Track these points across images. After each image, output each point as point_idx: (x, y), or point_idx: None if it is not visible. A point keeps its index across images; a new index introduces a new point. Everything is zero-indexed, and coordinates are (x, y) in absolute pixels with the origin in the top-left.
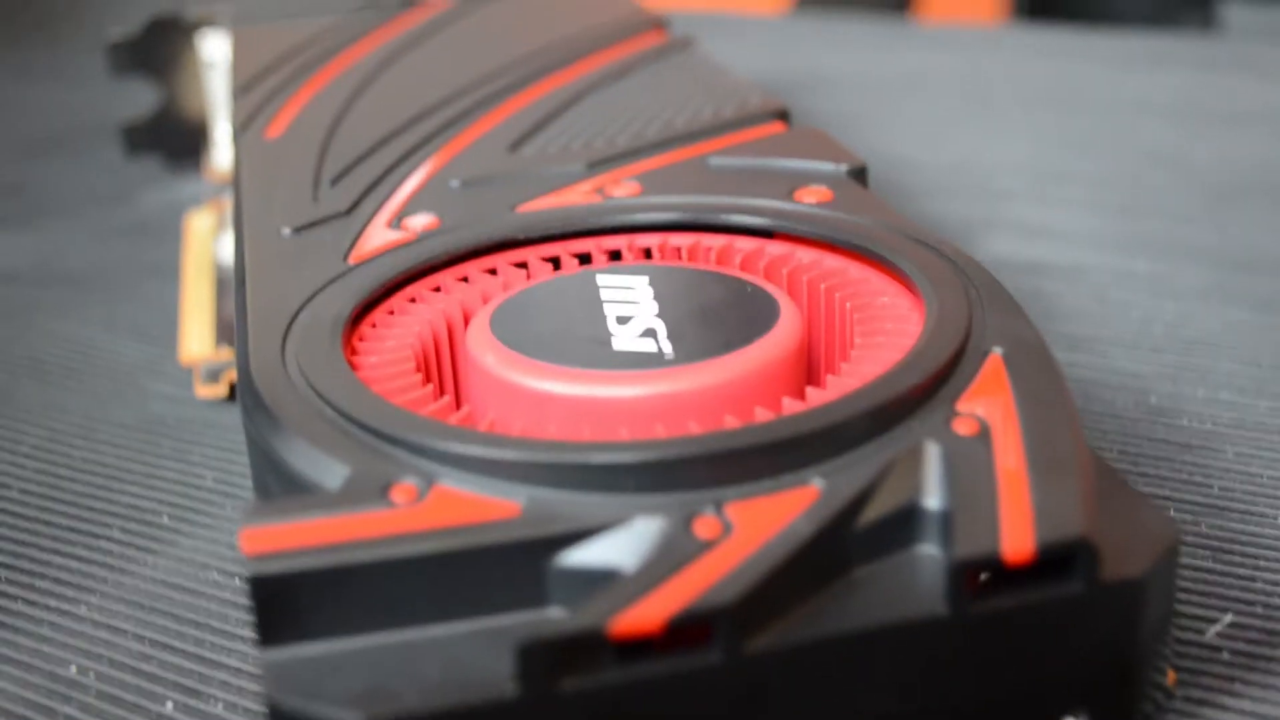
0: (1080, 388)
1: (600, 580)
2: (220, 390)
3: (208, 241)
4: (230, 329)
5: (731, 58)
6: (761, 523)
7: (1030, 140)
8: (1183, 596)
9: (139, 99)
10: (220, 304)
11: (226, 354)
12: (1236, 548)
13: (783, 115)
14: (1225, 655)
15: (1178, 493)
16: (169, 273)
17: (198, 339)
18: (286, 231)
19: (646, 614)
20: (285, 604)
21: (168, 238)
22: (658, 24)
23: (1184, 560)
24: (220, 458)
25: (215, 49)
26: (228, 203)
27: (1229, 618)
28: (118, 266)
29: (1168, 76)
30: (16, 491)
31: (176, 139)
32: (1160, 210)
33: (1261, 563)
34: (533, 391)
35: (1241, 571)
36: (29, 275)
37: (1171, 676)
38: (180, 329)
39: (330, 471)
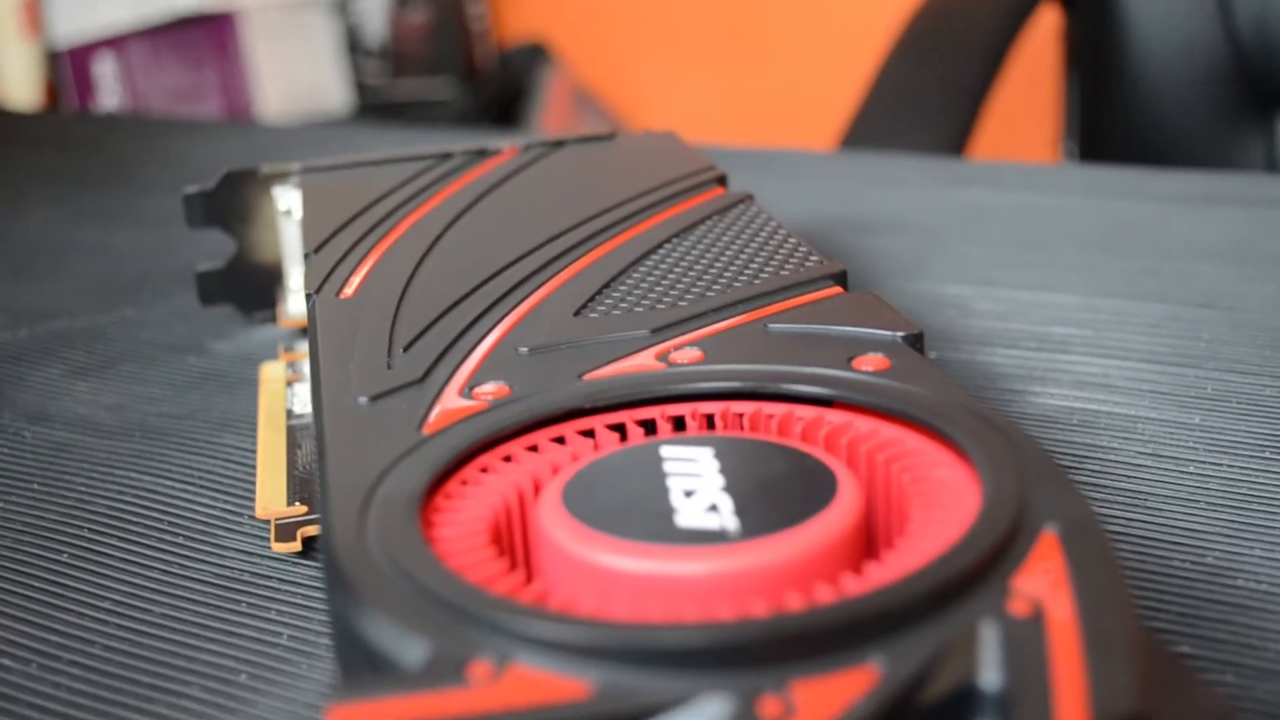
0: (1136, 546)
1: None
2: (295, 546)
3: (281, 392)
4: (303, 484)
5: (784, 196)
6: (823, 704)
7: (1085, 284)
8: None
9: (213, 243)
10: (293, 457)
11: (300, 509)
12: None
13: (841, 278)
14: None
15: (1234, 657)
16: (244, 423)
17: (272, 494)
18: (363, 400)
19: None
20: None
21: (242, 387)
22: (718, 178)
23: None
24: (296, 614)
25: (289, 199)
26: (301, 353)
27: None
28: (194, 417)
29: (1223, 217)
30: (100, 648)
31: (250, 288)
32: (1217, 359)
33: None
34: (601, 567)
35: None
36: (109, 426)
37: None
38: (256, 483)
39: (410, 648)
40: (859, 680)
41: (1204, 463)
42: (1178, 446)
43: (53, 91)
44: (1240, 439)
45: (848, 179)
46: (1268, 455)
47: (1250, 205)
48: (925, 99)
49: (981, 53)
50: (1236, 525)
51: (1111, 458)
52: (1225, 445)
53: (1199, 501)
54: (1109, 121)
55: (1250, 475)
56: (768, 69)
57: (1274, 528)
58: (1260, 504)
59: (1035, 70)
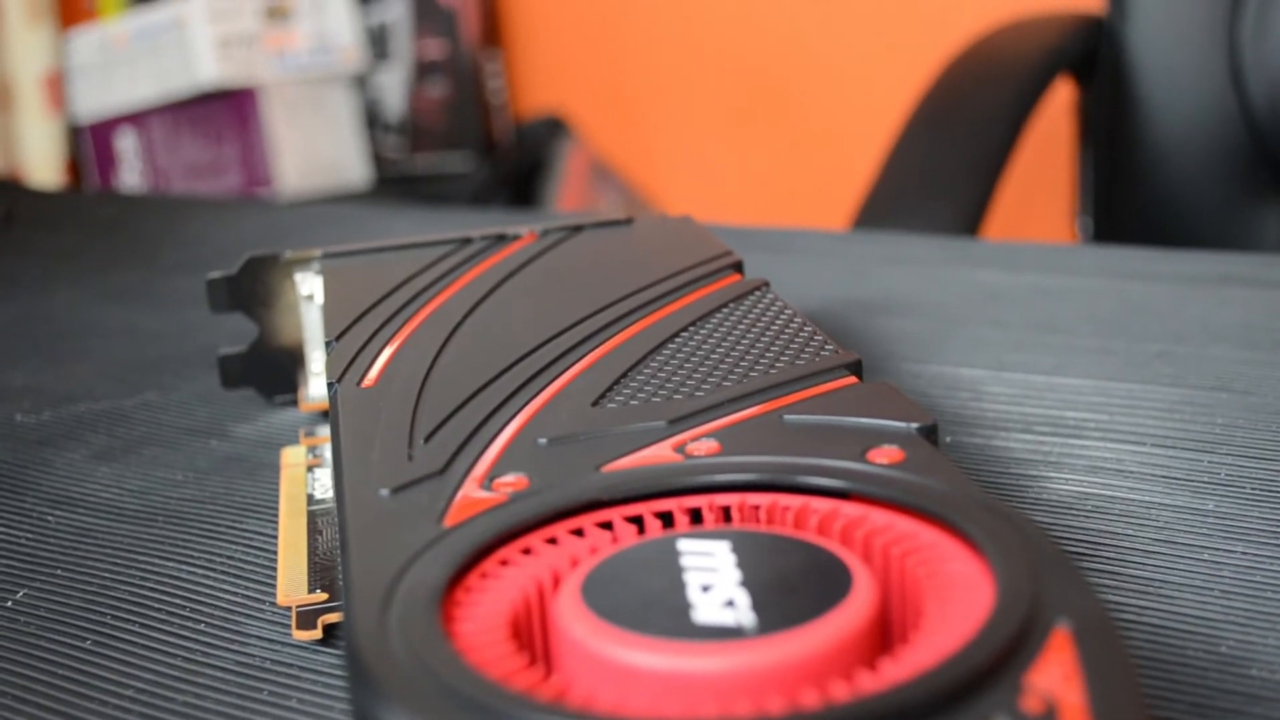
0: (1149, 635)
1: None
2: (316, 634)
3: (302, 478)
4: (324, 570)
5: (798, 277)
6: None
7: (1099, 366)
8: None
9: (236, 328)
10: (314, 544)
11: (321, 596)
12: None
13: (855, 367)
14: None
15: None
16: (265, 508)
17: (294, 581)
18: (385, 493)
19: None
20: None
21: (263, 472)
22: (734, 264)
23: None
24: (317, 702)
25: (311, 285)
26: (322, 437)
27: None
28: (216, 501)
29: (1239, 298)
30: None
31: (272, 371)
32: (1231, 444)
33: None
34: (619, 663)
35: None
36: (131, 511)
37: None
38: (277, 569)
39: None
40: None
41: (1218, 549)
42: (1192, 533)
43: (74, 166)
44: (1255, 525)
45: (862, 259)
46: None
47: (1265, 286)
48: (940, 176)
49: (996, 129)
50: (1251, 614)
51: (1125, 544)
52: (1240, 532)
53: (1213, 589)
54: (1124, 196)
55: (1265, 563)
56: (784, 143)
57: None
58: (1275, 591)
59: (1050, 146)
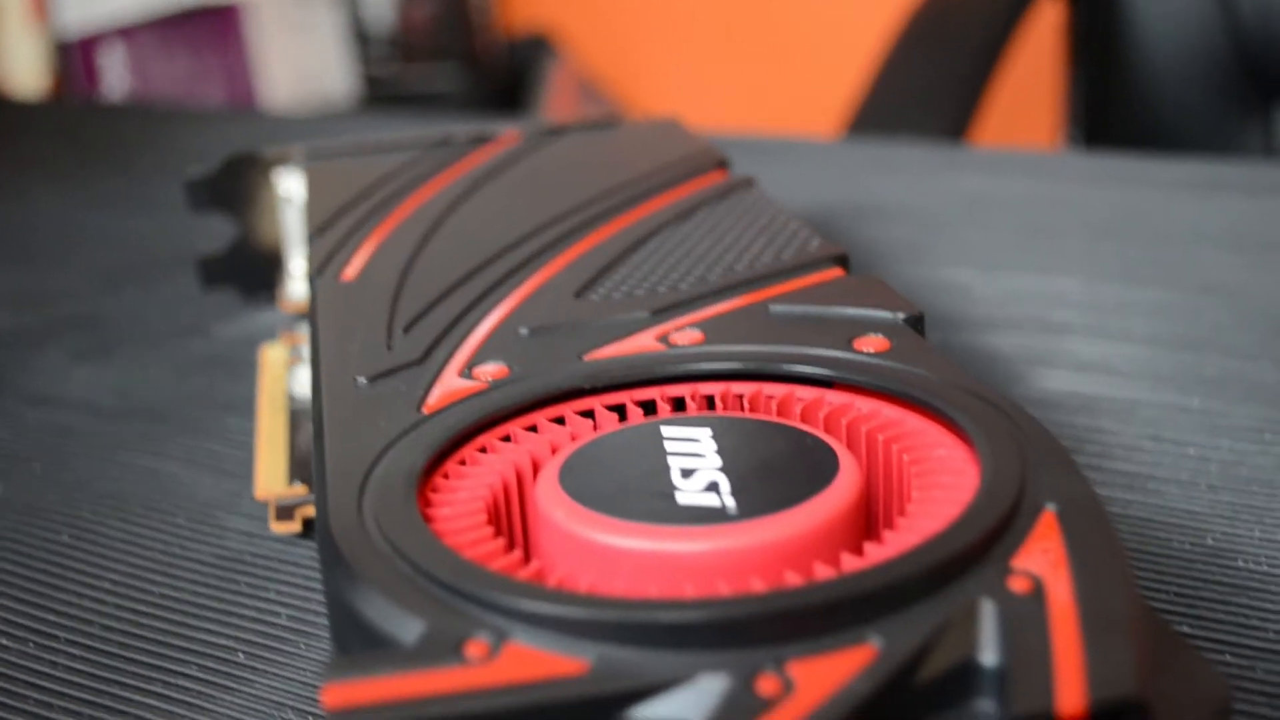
0: (1135, 527)
1: None
2: (294, 526)
3: (282, 375)
4: (304, 465)
5: (787, 183)
6: (821, 681)
7: (1087, 270)
8: None
9: (215, 229)
10: (294, 439)
11: (300, 490)
12: None
13: (842, 260)
14: None
15: (1233, 636)
16: (245, 406)
17: (272, 475)
18: (362, 380)
19: None
20: None
21: (243, 370)
22: (720, 162)
23: (1239, 707)
24: (295, 595)
25: (291, 184)
26: (301, 335)
27: None
28: (195, 400)
29: (1226, 204)
30: (99, 628)
31: (252, 272)
32: (1217, 344)
33: None
34: (599, 546)
35: None
36: (110, 409)
37: None
38: (255, 464)
39: (406, 626)
40: (857, 658)
41: (1203, 445)
42: (1177, 429)
43: (60, 81)
44: (1240, 422)
45: (850, 166)
46: (1267, 438)
47: (1252, 192)
48: (927, 87)
49: (983, 43)
50: (1237, 507)
51: (1111, 440)
52: (1225, 428)
53: (1198, 484)
54: (1111, 111)
55: (1250, 458)
56: (773, 60)
57: (1273, 509)
58: (1260, 486)
59: (1038, 61)
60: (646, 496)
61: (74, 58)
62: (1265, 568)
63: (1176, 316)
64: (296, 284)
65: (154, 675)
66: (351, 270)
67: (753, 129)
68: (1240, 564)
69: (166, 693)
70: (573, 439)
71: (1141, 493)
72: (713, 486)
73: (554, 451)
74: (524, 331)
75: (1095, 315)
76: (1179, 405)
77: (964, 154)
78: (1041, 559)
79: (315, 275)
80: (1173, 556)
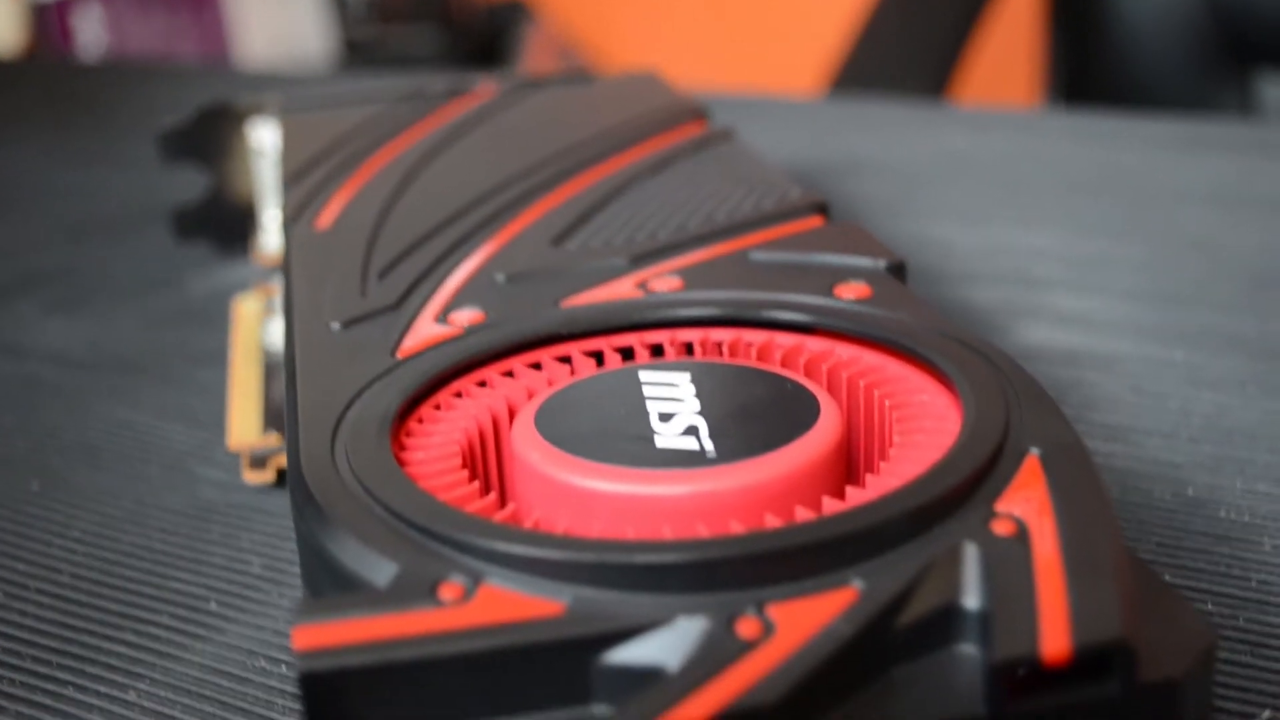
0: (1117, 479)
1: (644, 679)
2: (267, 476)
3: (255, 326)
4: (277, 415)
5: (767, 141)
6: (802, 623)
7: (1068, 226)
8: (1220, 691)
9: (188, 183)
10: (268, 389)
11: (274, 439)
12: (1275, 642)
13: (822, 209)
14: None
15: (1215, 585)
16: (218, 358)
17: (245, 425)
18: (335, 326)
19: (689, 713)
20: (335, 700)
21: (216, 322)
22: (699, 114)
23: (1222, 655)
24: (267, 544)
25: (264, 137)
26: (275, 288)
27: (1267, 714)
28: (168, 351)
29: (1207, 162)
30: (68, 576)
31: (225, 224)
32: (1199, 299)
33: None
34: (576, 489)
35: None
36: (81, 360)
37: None
38: (228, 414)
39: (379, 569)
40: (838, 600)
41: (1186, 398)
42: (1160, 382)
43: (36, 40)
44: (1223, 374)
45: (830, 124)
46: (1249, 391)
47: (1232, 150)
48: (908, 45)
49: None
50: (1219, 458)
51: (1093, 392)
52: (1207, 381)
53: (1180, 435)
54: (1090, 70)
55: (1234, 410)
56: (752, 25)
57: (1255, 461)
58: (1242, 438)
59: (1019, 20)
60: (624, 440)
61: (50, 17)
62: (1247, 518)
63: (1158, 271)
64: (270, 237)
65: (124, 623)
66: (326, 218)
67: (733, 87)
68: (1222, 514)
69: (137, 640)
70: (549, 384)
71: (1124, 444)
72: (691, 430)
73: (530, 397)
74: (501, 278)
75: (1076, 269)
76: (1161, 358)
77: (943, 112)
78: (1025, 503)
79: (289, 223)
80: (1155, 507)
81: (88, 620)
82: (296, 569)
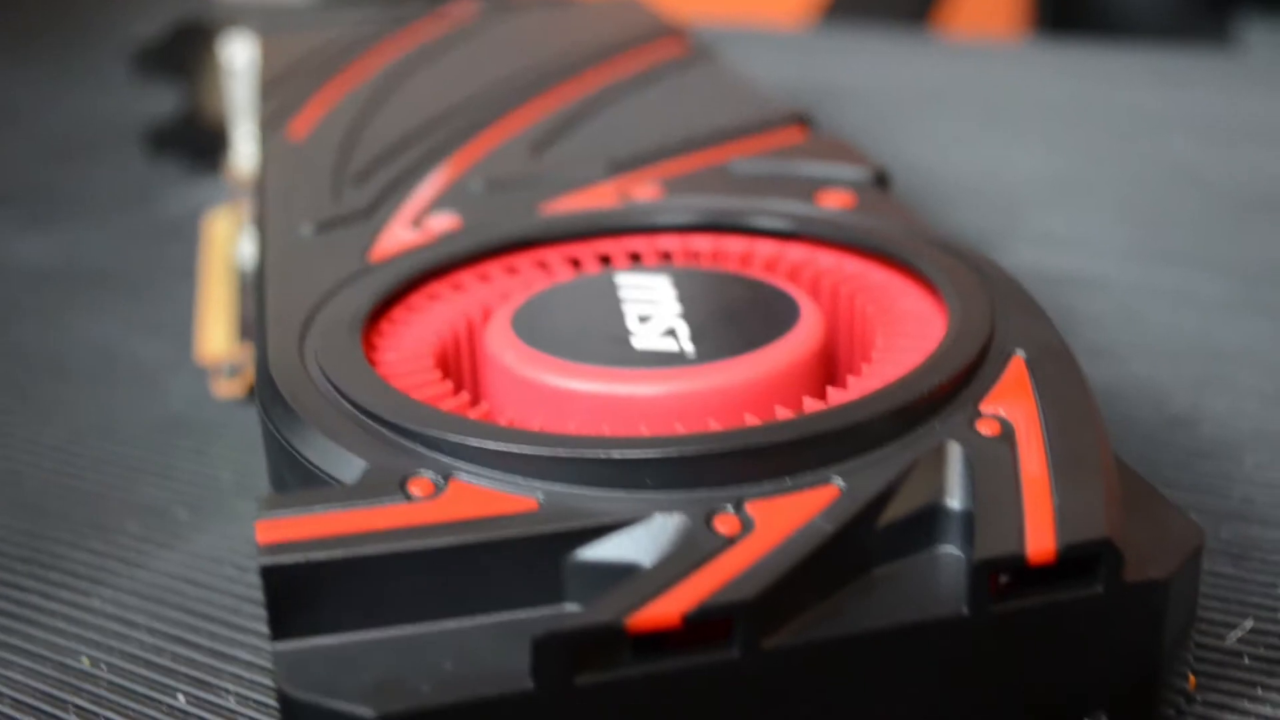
0: (1100, 396)
1: (618, 576)
2: (238, 388)
3: (228, 243)
4: (248, 330)
5: (753, 70)
6: (782, 520)
7: (1052, 155)
8: (1203, 602)
9: (163, 102)
10: (242, 304)
11: (244, 354)
12: (1257, 554)
13: (804, 120)
14: (1246, 661)
15: (1197, 500)
16: (190, 274)
17: (216, 338)
18: (308, 230)
19: (665, 609)
20: (298, 595)
21: (189, 239)
22: (679, 34)
23: (1205, 566)
24: (238, 457)
25: (237, 54)
26: (248, 205)
27: (1250, 623)
28: (140, 267)
29: (1189, 93)
30: (36, 484)
31: (199, 141)
32: (1182, 224)
33: None
34: (552, 389)
35: (1262, 578)
36: (54, 275)
37: (1192, 681)
38: (199, 329)
39: (347, 465)
40: (819, 498)
41: (1169, 319)
42: (1144, 303)
43: None
44: (1206, 296)
45: (814, 53)
46: (1234, 312)
47: (1214, 83)
48: None
49: None
50: (1202, 377)
51: (1077, 313)
52: (1192, 302)
53: (1164, 354)
54: (1076, 2)
55: (1218, 330)
56: None
57: (1238, 380)
58: (1224, 358)
59: None
60: (601, 341)
61: None
62: (1229, 434)
63: (1142, 198)
64: (243, 155)
65: (90, 531)
66: (301, 129)
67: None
68: (1205, 432)
69: (104, 549)
70: (526, 288)
71: (1106, 362)
72: (670, 332)
73: (506, 300)
74: (478, 185)
75: (1061, 196)
76: (1146, 280)
77: (929, 43)
78: (1011, 404)
79: (265, 132)
80: (1137, 425)
81: (55, 528)
82: (267, 482)
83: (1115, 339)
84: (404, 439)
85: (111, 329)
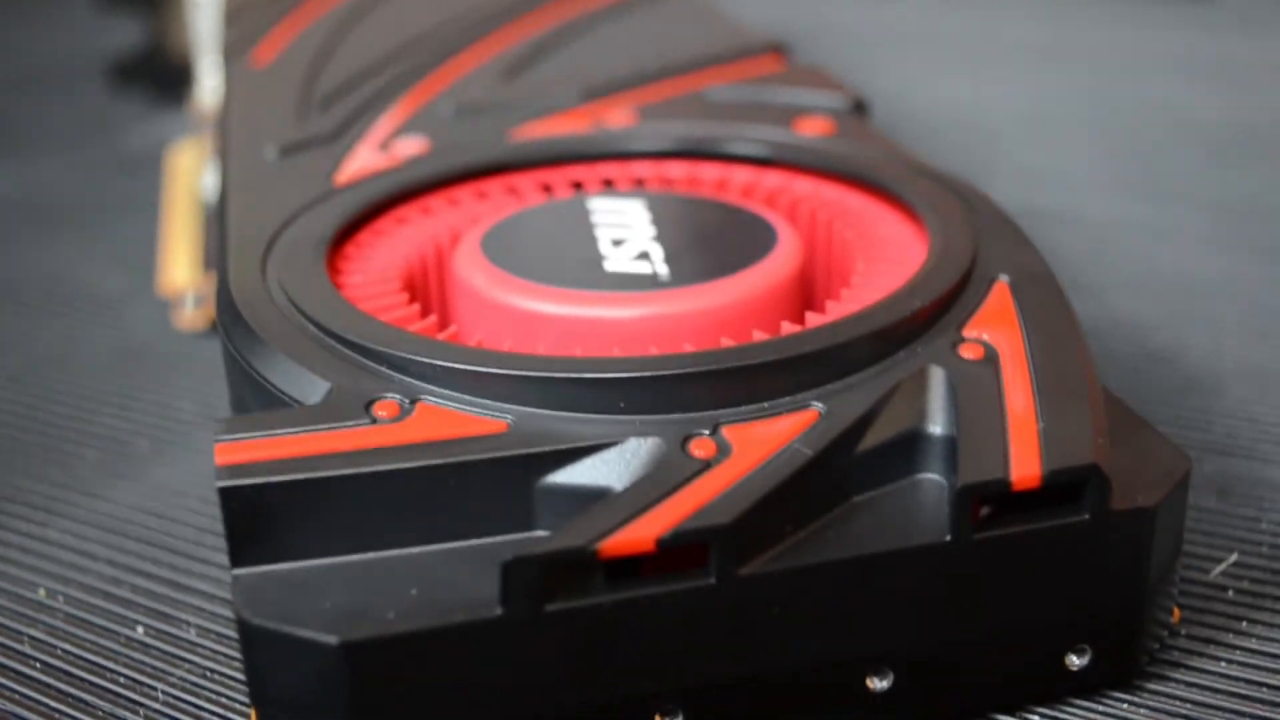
0: None
1: (590, 501)
2: (200, 320)
3: (191, 176)
4: (210, 262)
5: (729, 7)
6: (760, 445)
7: (1030, 93)
8: (1188, 536)
9: (126, 34)
10: (205, 236)
11: (208, 284)
12: (1240, 489)
13: (780, 49)
14: (1230, 594)
15: (1180, 434)
16: (152, 207)
17: (179, 270)
18: (271, 153)
19: (638, 533)
20: (258, 520)
21: (151, 172)
22: None
23: (1189, 500)
24: (201, 388)
25: None
26: (212, 136)
27: (1234, 557)
28: (101, 199)
29: (1164, 34)
30: None
31: (162, 74)
32: (1159, 160)
33: (1265, 504)
34: (522, 311)
35: (1246, 512)
36: (12, 206)
37: (1176, 614)
38: (162, 261)
39: (310, 387)
40: (798, 422)
41: (1149, 253)
42: (1122, 238)
43: None
44: (1190, 232)
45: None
46: (1212, 248)
47: (1188, 27)
48: None
49: None
50: (1184, 313)
51: (1059, 250)
52: (1170, 237)
53: (1146, 290)
54: None
55: (1200, 266)
56: None
57: (1218, 316)
58: (1204, 294)
59: None
60: (573, 264)
61: None
62: (1211, 370)
63: (1119, 135)
64: (208, 88)
65: (49, 458)
66: (266, 55)
67: None
68: (1186, 367)
69: (62, 479)
70: (496, 213)
71: (1088, 298)
72: (644, 255)
73: (475, 224)
74: (449, 110)
75: (1039, 131)
76: (1124, 215)
77: None
78: (995, 329)
79: (228, 59)
80: (1119, 360)
81: (10, 457)
82: (230, 412)
83: (1095, 274)
84: (369, 360)
85: (71, 261)
